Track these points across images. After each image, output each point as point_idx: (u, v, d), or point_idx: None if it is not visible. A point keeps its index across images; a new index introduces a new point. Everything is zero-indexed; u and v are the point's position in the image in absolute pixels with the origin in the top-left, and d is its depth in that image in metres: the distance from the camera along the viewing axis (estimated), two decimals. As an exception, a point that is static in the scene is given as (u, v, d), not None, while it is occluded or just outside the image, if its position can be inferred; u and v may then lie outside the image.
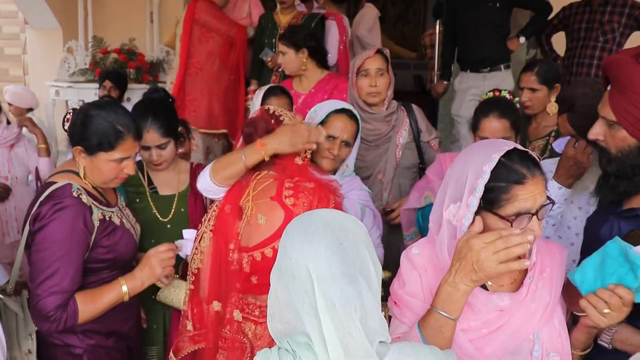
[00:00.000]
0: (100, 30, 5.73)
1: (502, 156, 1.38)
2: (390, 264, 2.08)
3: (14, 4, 5.84)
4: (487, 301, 1.44)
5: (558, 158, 2.15)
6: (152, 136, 2.39)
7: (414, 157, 2.83)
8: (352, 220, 1.21)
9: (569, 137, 2.11)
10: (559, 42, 4.73)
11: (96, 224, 1.88)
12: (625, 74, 1.48)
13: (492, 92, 2.67)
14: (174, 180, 2.50)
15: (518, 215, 1.37)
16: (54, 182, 1.89)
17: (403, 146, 2.76)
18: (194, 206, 2.49)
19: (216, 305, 2.08)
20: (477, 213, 1.40)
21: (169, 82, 4.44)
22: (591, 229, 1.75)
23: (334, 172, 2.29)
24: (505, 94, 2.64)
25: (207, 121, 4.27)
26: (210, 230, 2.09)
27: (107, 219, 1.94)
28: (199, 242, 2.11)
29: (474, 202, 1.39)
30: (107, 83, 4.46)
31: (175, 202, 2.47)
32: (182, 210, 2.47)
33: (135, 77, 5.37)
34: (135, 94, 4.88)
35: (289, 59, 3.38)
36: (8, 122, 3.81)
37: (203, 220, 2.16)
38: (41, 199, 1.85)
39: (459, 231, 1.42)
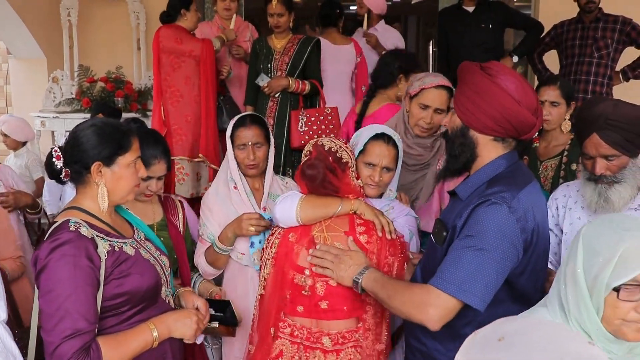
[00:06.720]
0: (86, 59, 5.63)
1: None
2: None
3: (-4, 33, 5.72)
4: None
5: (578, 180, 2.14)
6: (161, 167, 2.37)
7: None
8: None
9: None
10: (549, 60, 4.76)
11: (103, 256, 1.72)
12: (461, 72, 1.85)
13: None
14: (149, 211, 2.47)
15: None
16: (55, 222, 1.78)
17: (442, 174, 2.66)
18: (175, 236, 2.47)
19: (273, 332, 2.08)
20: None
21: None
22: None
23: (380, 196, 2.30)
24: None
25: (191, 149, 4.10)
26: (273, 258, 2.09)
27: (118, 249, 1.79)
28: (263, 270, 2.13)
29: None
30: (101, 116, 4.31)
31: (155, 231, 2.40)
32: (162, 239, 2.39)
33: (124, 106, 5.25)
34: (124, 123, 4.78)
35: None
36: None
37: (264, 247, 2.16)
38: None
39: None
